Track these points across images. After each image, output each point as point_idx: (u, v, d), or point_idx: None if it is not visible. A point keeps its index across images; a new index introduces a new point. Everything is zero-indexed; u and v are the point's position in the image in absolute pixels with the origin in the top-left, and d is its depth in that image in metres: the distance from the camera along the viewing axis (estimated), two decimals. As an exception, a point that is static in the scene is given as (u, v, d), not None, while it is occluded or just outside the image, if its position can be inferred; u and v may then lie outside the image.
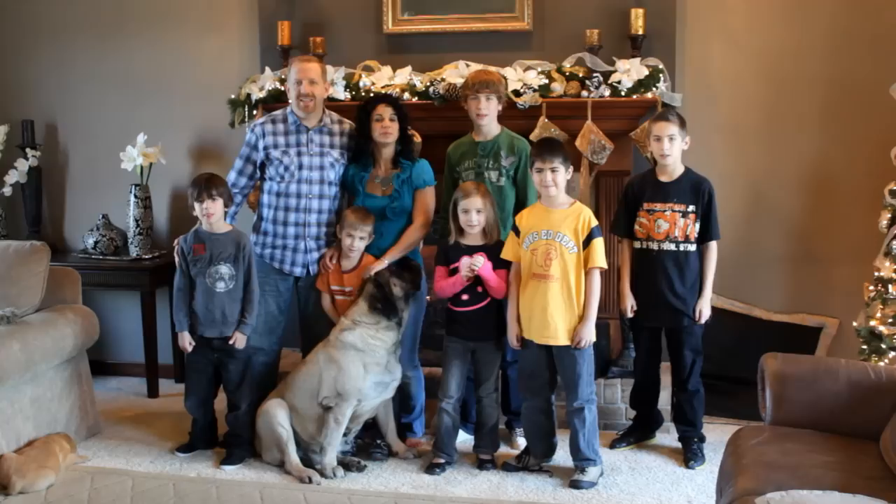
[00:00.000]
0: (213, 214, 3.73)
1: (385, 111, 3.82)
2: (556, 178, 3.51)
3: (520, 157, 3.83)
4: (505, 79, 4.03)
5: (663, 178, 3.72)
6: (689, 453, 3.75)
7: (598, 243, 3.52)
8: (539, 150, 3.57)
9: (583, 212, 3.56)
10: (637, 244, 3.76)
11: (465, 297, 3.67)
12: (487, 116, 3.81)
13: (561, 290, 3.50)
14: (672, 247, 3.67)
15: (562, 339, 3.52)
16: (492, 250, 3.66)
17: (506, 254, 3.64)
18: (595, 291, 3.53)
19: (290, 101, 3.93)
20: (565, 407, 3.63)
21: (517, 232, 3.61)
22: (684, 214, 3.66)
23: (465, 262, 3.61)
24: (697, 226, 3.66)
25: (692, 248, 3.68)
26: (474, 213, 3.63)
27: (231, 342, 3.77)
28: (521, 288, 3.60)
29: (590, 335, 3.52)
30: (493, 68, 4.01)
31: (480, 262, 3.60)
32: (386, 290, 3.69)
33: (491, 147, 3.85)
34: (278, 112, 4.00)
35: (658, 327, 3.82)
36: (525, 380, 3.69)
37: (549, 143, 3.64)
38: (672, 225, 3.67)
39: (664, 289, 3.69)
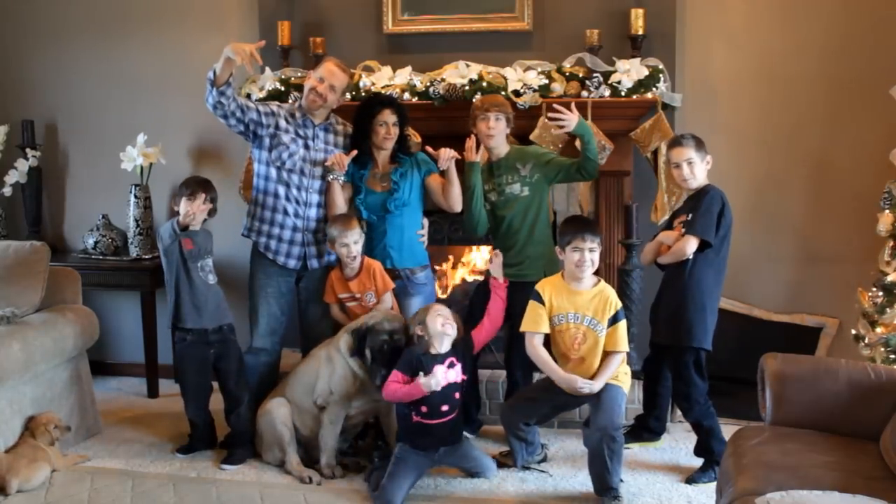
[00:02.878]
0: (197, 216, 3.75)
1: (389, 118, 3.83)
2: (593, 257, 3.40)
3: (536, 158, 3.83)
4: (507, 79, 4.04)
5: (689, 195, 3.68)
6: (698, 471, 3.62)
7: (621, 326, 3.42)
8: (578, 229, 3.42)
9: (611, 295, 3.45)
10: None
11: (444, 407, 3.45)
12: (495, 138, 3.80)
13: (587, 367, 3.45)
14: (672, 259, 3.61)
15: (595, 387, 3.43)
16: (458, 348, 3.53)
17: (527, 325, 3.48)
18: (613, 370, 3.42)
19: (304, 90, 3.92)
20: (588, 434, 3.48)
21: (539, 300, 3.48)
22: (685, 224, 3.59)
23: (439, 371, 3.39)
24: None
25: (688, 258, 3.55)
26: (449, 328, 3.48)
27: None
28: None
29: (595, 387, 3.40)
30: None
31: (451, 378, 3.45)
32: (361, 346, 3.57)
33: (505, 163, 3.86)
34: (287, 105, 4.03)
35: (662, 345, 3.72)
36: (525, 403, 3.63)
37: (588, 223, 3.52)
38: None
39: (663, 303, 3.67)
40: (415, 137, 4.07)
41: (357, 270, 3.84)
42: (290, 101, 4.22)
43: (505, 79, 4.09)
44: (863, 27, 4.22)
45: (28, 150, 4.91)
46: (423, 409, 3.43)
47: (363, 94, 4.22)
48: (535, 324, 3.49)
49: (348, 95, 4.25)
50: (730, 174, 4.33)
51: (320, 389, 3.67)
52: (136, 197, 4.72)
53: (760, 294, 4.45)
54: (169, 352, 4.78)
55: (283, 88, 4.30)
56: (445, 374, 3.40)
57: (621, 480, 3.43)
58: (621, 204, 4.25)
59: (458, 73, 4.15)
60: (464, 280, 4.71)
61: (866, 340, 3.77)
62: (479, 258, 4.69)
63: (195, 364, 3.84)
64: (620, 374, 3.49)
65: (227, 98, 3.76)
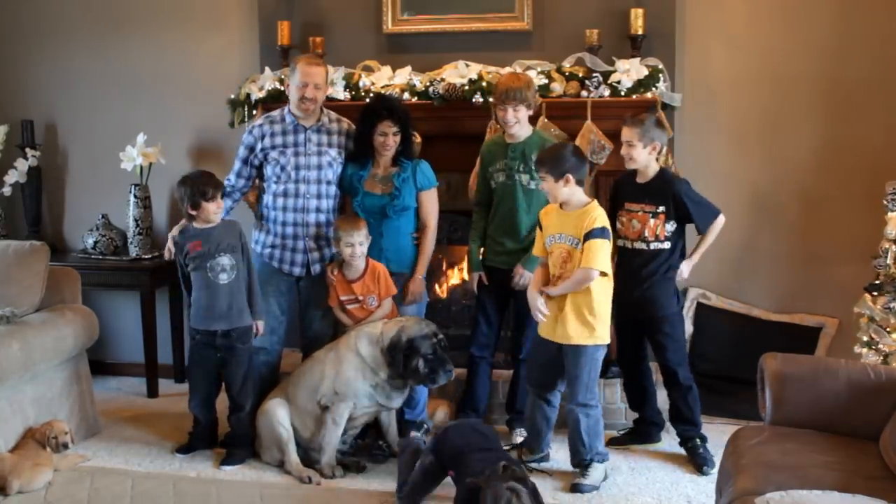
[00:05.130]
0: (219, 213, 3.75)
1: (389, 129, 3.82)
2: (546, 186, 3.52)
3: None
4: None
5: (639, 180, 3.74)
6: (699, 459, 3.70)
7: (596, 243, 3.43)
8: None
9: (592, 213, 3.49)
10: (618, 242, 3.76)
11: None
12: (517, 125, 3.80)
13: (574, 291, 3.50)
14: (643, 246, 3.69)
15: (571, 338, 3.50)
16: None
17: (536, 250, 3.65)
18: (571, 285, 3.45)
19: (290, 100, 3.93)
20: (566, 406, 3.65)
21: (540, 226, 3.63)
22: (654, 215, 3.67)
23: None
24: (668, 226, 3.66)
25: (665, 245, 3.68)
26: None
27: (256, 333, 3.82)
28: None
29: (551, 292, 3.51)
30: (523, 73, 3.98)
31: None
32: (411, 357, 3.54)
33: (521, 150, 3.83)
34: (275, 112, 4.00)
35: (635, 324, 3.80)
36: (536, 370, 3.70)
37: (539, 155, 3.61)
38: (643, 225, 3.69)
39: (635, 284, 3.71)
40: (415, 137, 4.06)
41: (361, 272, 3.84)
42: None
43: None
44: (863, 27, 4.22)
45: (28, 149, 4.91)
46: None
47: (363, 93, 4.22)
48: (539, 249, 3.64)
49: (348, 94, 4.26)
50: (729, 173, 4.34)
51: (325, 390, 3.67)
52: (135, 197, 4.72)
53: (760, 294, 4.44)
54: (169, 351, 4.83)
55: (282, 88, 4.29)
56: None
57: (599, 454, 3.55)
58: (621, 204, 4.25)
59: (458, 73, 4.15)
60: (463, 280, 4.70)
61: (880, 346, 3.69)
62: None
63: (201, 364, 3.85)
64: (589, 327, 3.50)
65: (242, 189, 4.05)
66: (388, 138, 3.83)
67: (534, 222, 3.80)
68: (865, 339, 3.75)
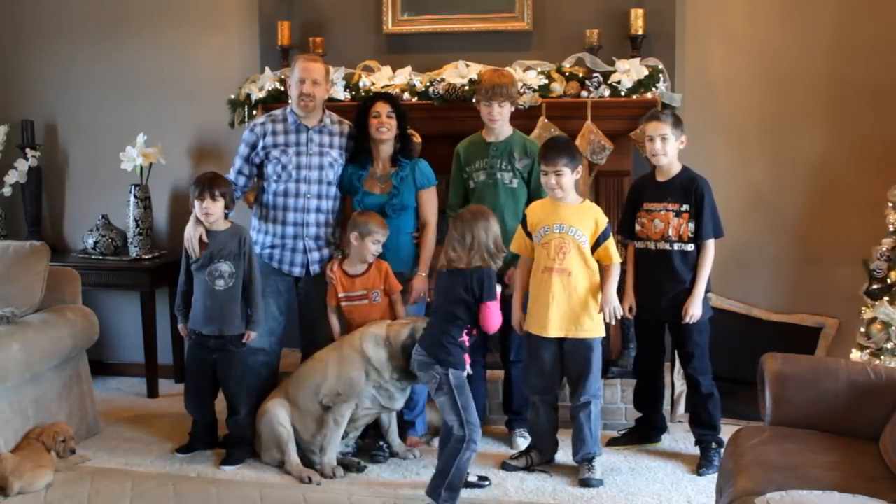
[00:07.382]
0: (211, 215, 3.72)
1: (382, 108, 3.83)
2: (560, 181, 3.51)
3: (533, 160, 3.81)
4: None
5: (660, 178, 3.73)
6: (704, 460, 3.70)
7: (611, 243, 3.56)
8: (544, 153, 3.58)
9: (597, 210, 3.60)
10: (638, 244, 3.77)
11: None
12: (500, 121, 3.81)
13: (579, 282, 3.53)
14: (667, 246, 3.68)
15: (582, 332, 3.54)
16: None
17: (513, 247, 3.64)
18: (615, 280, 3.57)
19: (290, 99, 3.94)
20: (567, 405, 3.65)
21: (525, 225, 3.62)
22: (678, 214, 3.65)
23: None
24: (692, 225, 3.65)
25: (689, 247, 3.66)
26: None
27: (244, 341, 3.79)
28: (531, 282, 3.63)
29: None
30: (506, 70, 3.98)
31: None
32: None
33: (504, 148, 3.85)
34: (278, 111, 4.00)
35: (659, 326, 3.82)
36: (537, 378, 3.67)
37: (553, 145, 3.59)
38: (666, 224, 3.67)
39: (660, 287, 3.70)
40: (415, 137, 4.06)
41: (365, 268, 3.84)
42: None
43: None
44: (863, 27, 4.22)
45: (28, 150, 4.90)
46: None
47: (363, 94, 4.22)
48: (516, 246, 3.66)
49: (348, 94, 4.26)
50: (729, 173, 4.33)
51: (327, 390, 3.66)
52: (135, 197, 4.72)
53: (760, 294, 4.44)
54: (169, 351, 4.83)
55: (282, 88, 4.29)
56: None
57: (591, 453, 3.59)
58: (621, 203, 4.24)
59: (458, 73, 4.16)
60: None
61: None
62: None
63: (196, 365, 3.84)
64: (596, 321, 3.59)
65: (243, 188, 3.99)
66: (383, 118, 3.82)
67: (513, 219, 3.79)
68: (890, 346, 3.69)
